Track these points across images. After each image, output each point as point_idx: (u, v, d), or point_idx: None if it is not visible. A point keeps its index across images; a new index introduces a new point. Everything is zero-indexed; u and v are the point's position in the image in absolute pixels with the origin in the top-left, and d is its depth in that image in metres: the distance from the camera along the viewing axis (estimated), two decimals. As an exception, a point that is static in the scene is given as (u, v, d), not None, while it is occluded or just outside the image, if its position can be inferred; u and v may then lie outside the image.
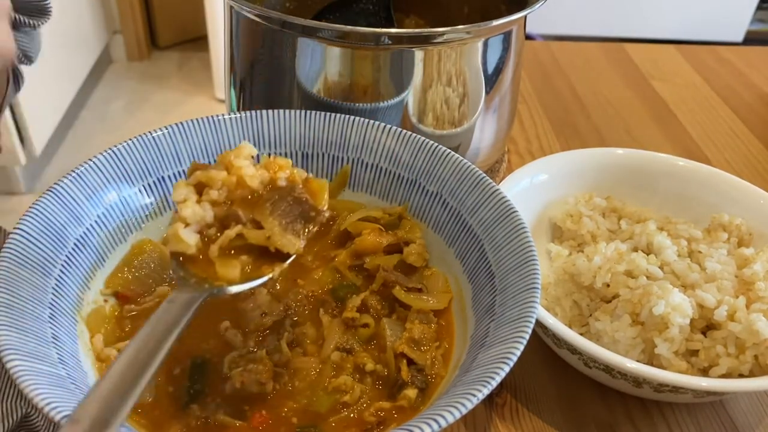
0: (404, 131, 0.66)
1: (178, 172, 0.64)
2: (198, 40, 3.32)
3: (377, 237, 0.63)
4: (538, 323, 0.58)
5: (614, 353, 0.57)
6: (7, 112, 2.12)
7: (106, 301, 0.58)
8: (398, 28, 0.88)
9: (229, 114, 0.66)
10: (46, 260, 0.53)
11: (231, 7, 0.73)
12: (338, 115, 0.67)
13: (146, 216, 0.63)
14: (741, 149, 1.02)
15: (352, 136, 0.67)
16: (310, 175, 0.53)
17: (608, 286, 0.65)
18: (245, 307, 0.58)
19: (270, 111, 0.66)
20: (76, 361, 0.51)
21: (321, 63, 0.69)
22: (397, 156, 0.66)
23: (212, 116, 0.65)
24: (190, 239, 0.48)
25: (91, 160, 0.59)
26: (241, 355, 0.54)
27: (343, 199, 0.68)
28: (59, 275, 0.54)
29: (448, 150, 0.64)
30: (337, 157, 0.68)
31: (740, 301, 0.60)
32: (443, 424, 0.42)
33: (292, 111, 0.66)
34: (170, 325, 0.44)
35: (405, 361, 0.55)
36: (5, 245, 0.51)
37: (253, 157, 0.52)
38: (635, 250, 0.69)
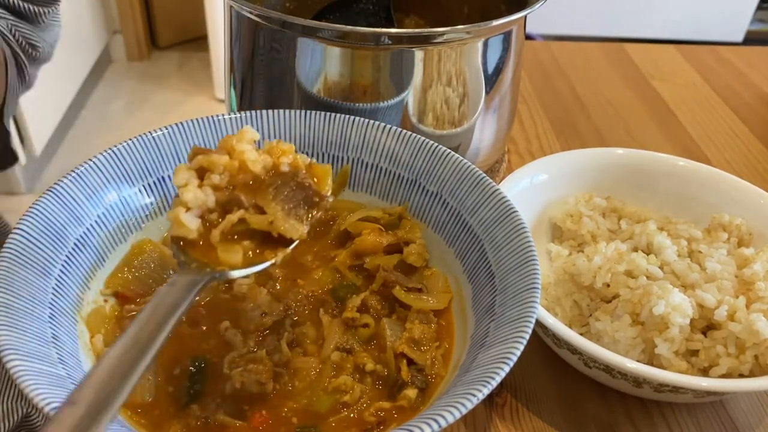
0: (404, 131, 0.66)
1: (178, 172, 0.64)
2: (198, 40, 3.32)
3: (377, 237, 0.63)
4: (538, 323, 0.58)
5: (614, 353, 0.57)
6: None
7: (106, 301, 0.58)
8: (398, 28, 0.88)
9: (229, 114, 0.66)
10: (46, 260, 0.53)
11: (231, 7, 0.73)
12: (338, 115, 0.67)
13: (146, 216, 0.63)
14: (741, 149, 1.02)
15: (352, 136, 0.67)
16: (313, 160, 0.53)
17: (608, 286, 0.65)
18: (245, 307, 0.58)
19: (270, 111, 0.66)
20: (76, 361, 0.51)
21: (321, 63, 0.69)
22: (397, 156, 0.66)
23: (212, 116, 0.65)
24: (191, 224, 0.48)
25: (91, 160, 0.59)
26: (241, 355, 0.54)
27: (343, 199, 0.68)
28: (59, 275, 0.54)
29: (448, 150, 0.64)
30: (337, 156, 0.68)
31: (740, 301, 0.60)
32: (443, 424, 0.42)
33: (292, 111, 0.66)
34: (171, 308, 0.43)
35: (405, 361, 0.55)
36: (5, 245, 0.51)
37: (255, 141, 0.51)
38: (635, 250, 0.69)
